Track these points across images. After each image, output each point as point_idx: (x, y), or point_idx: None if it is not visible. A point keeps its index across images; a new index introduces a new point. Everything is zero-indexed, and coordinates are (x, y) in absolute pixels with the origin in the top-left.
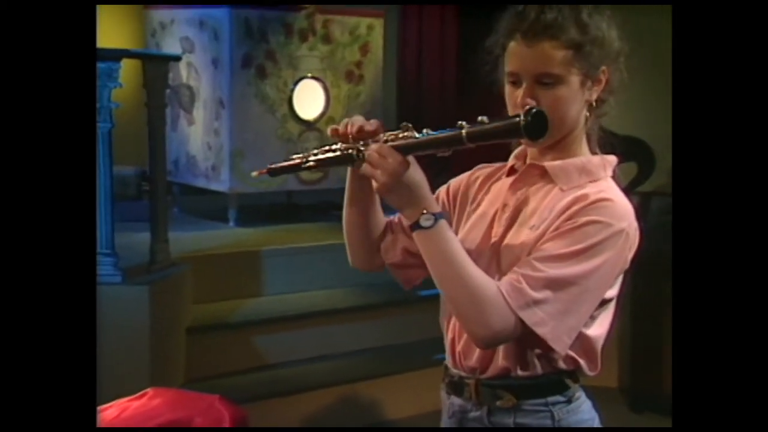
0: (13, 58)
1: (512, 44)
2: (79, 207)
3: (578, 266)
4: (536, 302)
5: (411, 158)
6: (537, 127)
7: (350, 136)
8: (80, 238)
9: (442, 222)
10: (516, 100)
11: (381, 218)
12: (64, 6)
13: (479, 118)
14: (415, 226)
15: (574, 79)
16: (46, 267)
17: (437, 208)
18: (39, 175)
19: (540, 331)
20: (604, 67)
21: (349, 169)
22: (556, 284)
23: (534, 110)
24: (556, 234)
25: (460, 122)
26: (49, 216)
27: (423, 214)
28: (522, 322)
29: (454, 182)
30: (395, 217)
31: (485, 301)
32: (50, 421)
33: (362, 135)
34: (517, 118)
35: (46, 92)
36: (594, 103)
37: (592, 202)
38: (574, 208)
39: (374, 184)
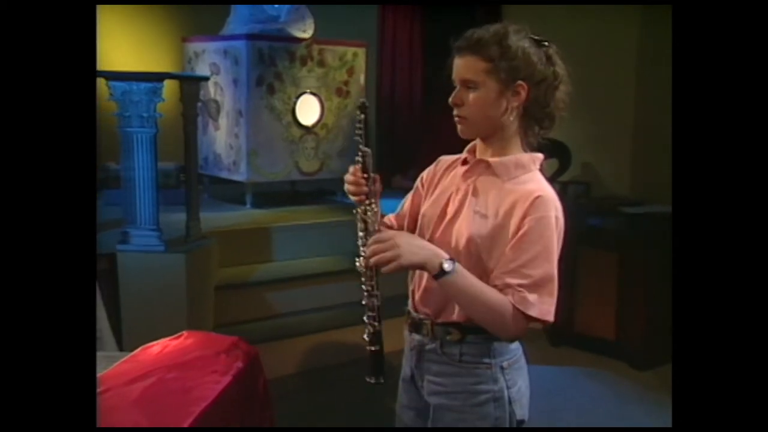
0: (14, 57)
1: (455, 57)
2: (80, 196)
3: (547, 262)
4: (538, 301)
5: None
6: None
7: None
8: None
9: (457, 266)
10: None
11: None
12: (64, 6)
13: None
14: (439, 275)
15: (492, 86)
16: (49, 253)
17: (446, 256)
18: (41, 170)
19: (548, 318)
20: (521, 82)
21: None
22: (542, 282)
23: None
24: (518, 240)
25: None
26: (52, 206)
27: (440, 263)
28: (530, 315)
29: (425, 173)
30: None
31: (504, 316)
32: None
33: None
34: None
35: (47, 92)
36: (524, 111)
37: (531, 201)
38: (520, 210)
39: (396, 264)
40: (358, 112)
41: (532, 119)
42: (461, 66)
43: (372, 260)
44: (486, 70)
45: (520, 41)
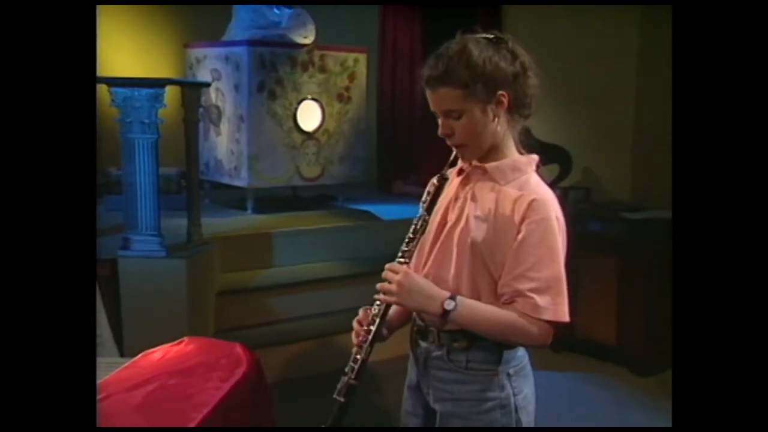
0: (14, 60)
1: (426, 90)
2: (80, 199)
3: (553, 263)
4: (551, 303)
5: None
6: None
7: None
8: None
9: (459, 299)
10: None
11: None
12: (64, 9)
13: None
14: (444, 315)
15: (475, 108)
16: (49, 257)
17: (446, 295)
18: (41, 175)
19: (563, 319)
20: (501, 92)
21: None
22: (551, 283)
23: None
24: (519, 246)
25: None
26: (53, 207)
27: (441, 304)
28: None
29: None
30: None
31: (521, 328)
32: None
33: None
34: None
35: (47, 97)
36: (510, 115)
37: (528, 204)
38: (518, 214)
39: (393, 299)
40: (434, 180)
41: (515, 114)
42: (438, 99)
43: (378, 285)
44: (464, 97)
45: (483, 52)
